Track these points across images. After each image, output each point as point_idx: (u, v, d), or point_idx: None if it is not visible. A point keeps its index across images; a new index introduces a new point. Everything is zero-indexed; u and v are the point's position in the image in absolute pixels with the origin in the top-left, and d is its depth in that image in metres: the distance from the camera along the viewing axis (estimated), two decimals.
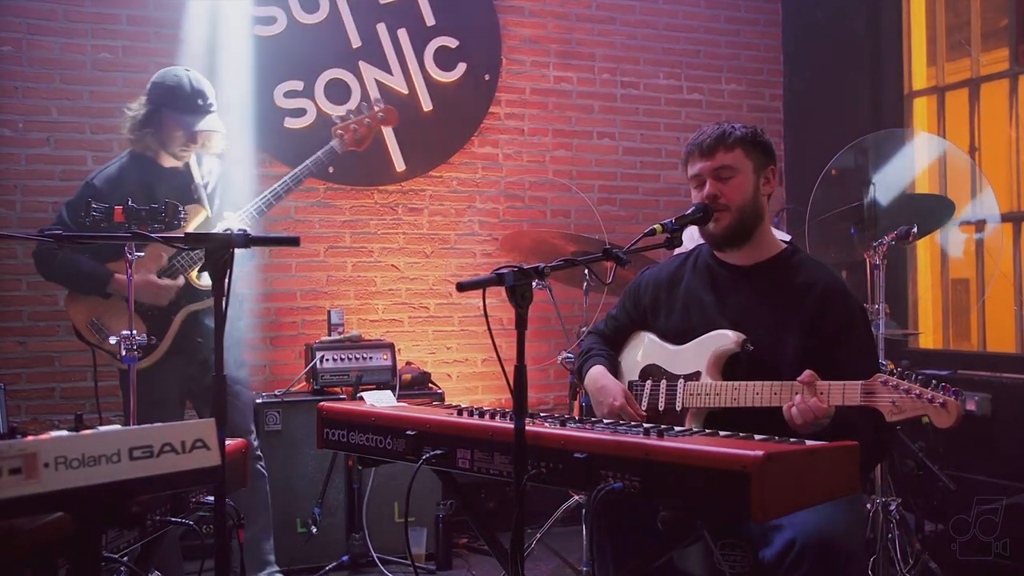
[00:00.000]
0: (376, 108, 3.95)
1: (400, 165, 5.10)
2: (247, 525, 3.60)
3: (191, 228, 3.44)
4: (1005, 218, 4.84)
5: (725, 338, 2.47)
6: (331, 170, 4.90)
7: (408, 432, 2.33)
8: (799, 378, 2.24)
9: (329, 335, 4.65)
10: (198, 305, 3.54)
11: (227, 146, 3.76)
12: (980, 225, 4.93)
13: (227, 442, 2.20)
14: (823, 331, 2.41)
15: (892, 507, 3.51)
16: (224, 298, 1.97)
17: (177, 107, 3.47)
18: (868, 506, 3.48)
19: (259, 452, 3.82)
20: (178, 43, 4.72)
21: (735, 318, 2.50)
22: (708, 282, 2.62)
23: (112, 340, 3.24)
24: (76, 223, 3.38)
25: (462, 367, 5.25)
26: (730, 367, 2.47)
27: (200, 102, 3.50)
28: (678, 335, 2.60)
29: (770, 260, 2.57)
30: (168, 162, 3.57)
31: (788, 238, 2.77)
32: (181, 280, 3.49)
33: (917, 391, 2.11)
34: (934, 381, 2.13)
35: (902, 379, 2.15)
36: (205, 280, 3.50)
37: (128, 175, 3.54)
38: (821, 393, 2.22)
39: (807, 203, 4.57)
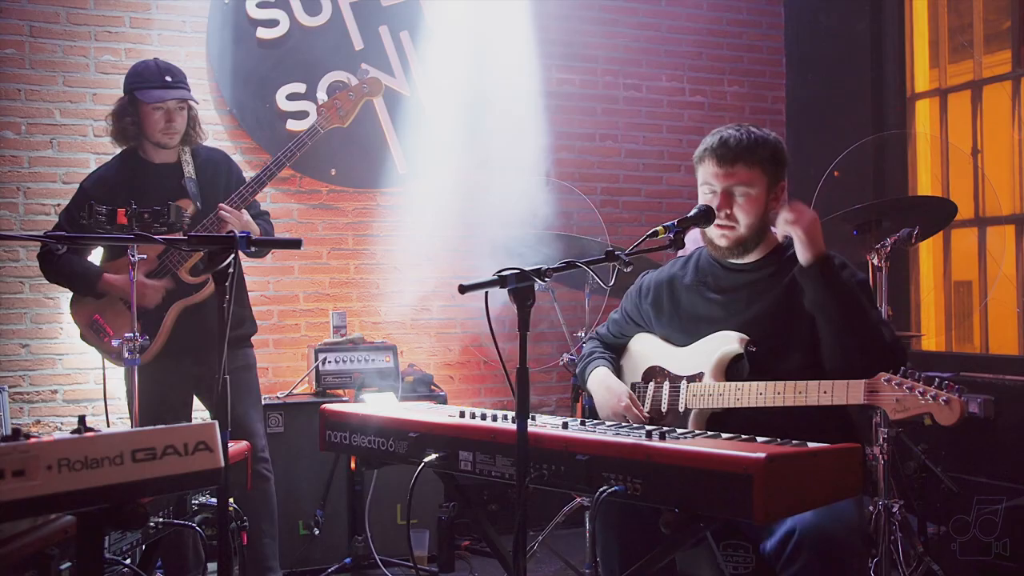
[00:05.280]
0: (360, 80, 3.85)
1: (403, 167, 5.10)
2: (251, 530, 3.57)
3: None
4: (1007, 220, 4.84)
5: (728, 339, 2.47)
6: (333, 172, 4.92)
7: (410, 434, 2.33)
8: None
9: (332, 337, 4.65)
10: (189, 300, 3.49)
11: (209, 135, 3.71)
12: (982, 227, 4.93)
13: (230, 445, 2.20)
14: None
15: (894, 509, 3.50)
16: (227, 301, 1.97)
17: (146, 85, 3.46)
18: (870, 508, 3.48)
19: (264, 454, 3.71)
20: (181, 46, 4.74)
21: (739, 318, 2.50)
22: (710, 282, 2.62)
23: (115, 343, 3.24)
24: (72, 226, 3.38)
25: (464, 369, 5.25)
26: (733, 368, 2.47)
27: (169, 78, 3.48)
28: (681, 336, 2.60)
29: (770, 254, 2.56)
30: (159, 157, 3.55)
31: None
32: (169, 282, 3.47)
33: (921, 389, 2.12)
34: (937, 379, 2.14)
35: (905, 377, 2.16)
36: (196, 275, 3.47)
37: (118, 174, 3.55)
38: (825, 392, 2.23)
39: (809, 205, 4.56)
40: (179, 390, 3.60)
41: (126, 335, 3.15)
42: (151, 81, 3.47)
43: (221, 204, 3.42)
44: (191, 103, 3.55)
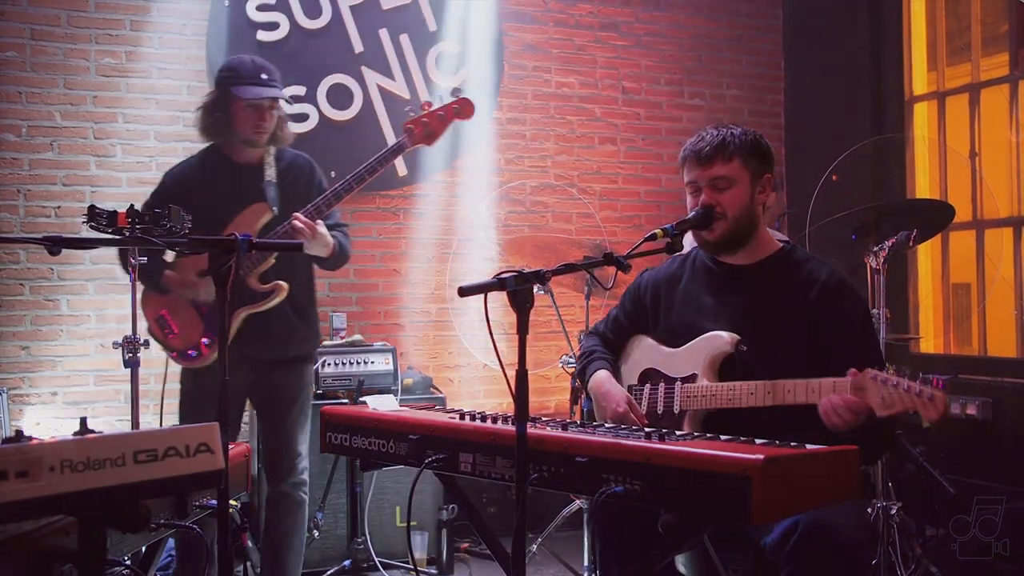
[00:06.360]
0: (451, 100, 3.65)
1: (402, 170, 5.11)
2: (281, 555, 3.51)
3: (257, 227, 3.36)
4: (1005, 223, 4.85)
5: (720, 339, 2.47)
6: (332, 174, 4.91)
7: (410, 436, 2.34)
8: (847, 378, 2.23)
9: (331, 339, 4.66)
10: (255, 307, 3.39)
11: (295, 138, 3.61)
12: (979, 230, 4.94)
13: (230, 446, 2.20)
14: (825, 326, 2.42)
15: (893, 511, 3.51)
16: (226, 304, 1.97)
17: (240, 82, 3.39)
18: (869, 510, 3.48)
19: (304, 476, 3.54)
20: (180, 49, 4.75)
21: (734, 318, 2.51)
22: (707, 283, 2.62)
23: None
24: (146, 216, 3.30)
25: (464, 371, 5.25)
26: (726, 368, 2.48)
27: (264, 76, 3.42)
28: (677, 336, 2.60)
29: (768, 258, 2.57)
30: (242, 157, 3.46)
31: (787, 240, 2.78)
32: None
33: (905, 385, 2.13)
34: (921, 375, 2.14)
35: (890, 374, 2.16)
36: (266, 282, 3.40)
37: (198, 171, 3.48)
38: (813, 391, 2.24)
39: (808, 208, 4.58)
40: (234, 396, 3.50)
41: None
42: (248, 78, 3.40)
43: (296, 213, 3.32)
44: (282, 103, 3.50)
